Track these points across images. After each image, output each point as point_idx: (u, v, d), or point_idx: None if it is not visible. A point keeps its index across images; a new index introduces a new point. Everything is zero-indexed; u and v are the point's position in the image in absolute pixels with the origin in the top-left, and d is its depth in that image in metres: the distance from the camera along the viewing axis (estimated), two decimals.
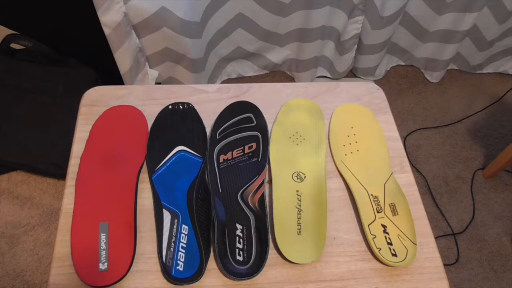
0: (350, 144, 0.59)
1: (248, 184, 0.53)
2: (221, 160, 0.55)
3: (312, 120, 0.61)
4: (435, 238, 0.52)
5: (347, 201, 0.55)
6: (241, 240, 0.49)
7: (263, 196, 0.52)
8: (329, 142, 0.60)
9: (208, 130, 0.59)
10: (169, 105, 0.60)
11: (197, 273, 0.46)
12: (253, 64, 1.61)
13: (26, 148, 1.22)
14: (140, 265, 0.48)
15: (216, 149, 0.56)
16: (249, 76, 1.64)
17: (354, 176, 0.56)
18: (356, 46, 1.55)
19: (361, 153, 0.58)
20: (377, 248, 0.49)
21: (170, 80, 1.49)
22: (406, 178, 0.57)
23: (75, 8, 1.14)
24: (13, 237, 1.22)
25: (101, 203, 0.50)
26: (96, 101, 0.61)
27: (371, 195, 0.54)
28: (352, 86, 0.67)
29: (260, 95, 0.65)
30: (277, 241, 0.49)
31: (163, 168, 0.53)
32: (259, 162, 0.55)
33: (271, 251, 0.50)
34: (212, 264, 0.48)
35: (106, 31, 1.15)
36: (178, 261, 0.47)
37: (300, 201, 0.53)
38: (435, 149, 1.51)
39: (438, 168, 1.46)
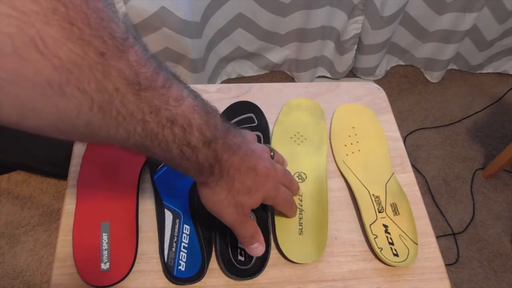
0: (351, 144, 0.59)
1: None
2: None
3: (314, 120, 0.61)
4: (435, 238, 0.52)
5: (349, 201, 0.55)
6: None
7: None
8: (330, 142, 0.60)
9: None
10: None
11: (199, 273, 0.46)
12: (253, 64, 1.61)
13: (26, 148, 1.22)
14: (142, 265, 0.48)
15: None
16: (249, 76, 1.64)
17: (356, 176, 0.56)
18: (356, 46, 1.55)
19: (362, 153, 0.58)
20: (379, 248, 0.49)
21: None
22: (407, 178, 0.57)
23: None
24: (13, 237, 1.22)
25: (103, 203, 0.50)
26: None
27: (373, 195, 0.54)
28: (353, 86, 0.67)
29: (261, 95, 0.65)
30: (279, 241, 0.49)
31: (164, 168, 0.53)
32: None
33: (273, 251, 0.50)
34: (214, 264, 0.48)
35: None
36: (180, 261, 0.47)
37: (301, 201, 0.53)
38: (435, 149, 1.51)
39: (438, 168, 1.46)
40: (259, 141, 0.57)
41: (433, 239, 0.52)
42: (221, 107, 0.60)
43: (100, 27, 0.25)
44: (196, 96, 0.33)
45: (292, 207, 0.48)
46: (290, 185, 0.47)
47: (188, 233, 0.49)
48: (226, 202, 0.39)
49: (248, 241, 0.44)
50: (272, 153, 0.46)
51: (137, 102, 0.28)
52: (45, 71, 0.23)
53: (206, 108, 0.34)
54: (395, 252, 0.49)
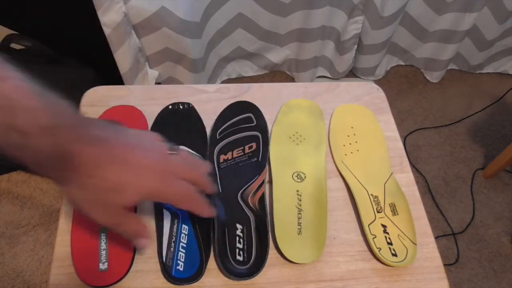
0: (350, 144, 0.59)
1: (248, 184, 0.53)
2: (221, 160, 0.55)
3: (312, 120, 0.61)
4: (435, 238, 0.52)
5: (347, 201, 0.55)
6: (241, 240, 0.49)
7: (263, 196, 0.52)
8: (329, 142, 0.60)
9: (208, 130, 0.59)
10: (169, 105, 0.60)
11: (197, 273, 0.46)
12: (253, 64, 1.61)
13: None
14: (140, 265, 0.48)
15: (216, 149, 0.56)
16: (249, 76, 1.64)
17: (354, 176, 0.56)
18: (356, 46, 1.55)
19: (361, 153, 0.58)
20: (377, 248, 0.49)
21: (170, 80, 1.49)
22: (406, 178, 0.57)
23: (75, 8, 1.14)
24: (13, 237, 1.22)
25: None
26: (96, 101, 0.61)
27: (371, 195, 0.54)
28: (352, 86, 0.67)
29: (260, 95, 0.65)
30: (277, 241, 0.49)
31: None
32: (259, 162, 0.55)
33: (271, 251, 0.50)
34: (212, 264, 0.48)
35: (106, 31, 1.15)
36: (178, 261, 0.47)
37: (300, 201, 0.53)
38: (435, 149, 1.51)
39: (438, 168, 1.46)
40: (257, 141, 0.57)
41: (432, 239, 0.52)
42: (220, 107, 0.60)
43: None
44: (33, 81, 0.30)
45: (197, 203, 0.40)
46: (195, 179, 0.40)
47: (186, 233, 0.49)
48: (90, 202, 0.35)
49: (133, 239, 0.41)
50: (173, 152, 0.40)
51: None
52: None
53: (45, 93, 0.31)
54: (393, 252, 0.49)
